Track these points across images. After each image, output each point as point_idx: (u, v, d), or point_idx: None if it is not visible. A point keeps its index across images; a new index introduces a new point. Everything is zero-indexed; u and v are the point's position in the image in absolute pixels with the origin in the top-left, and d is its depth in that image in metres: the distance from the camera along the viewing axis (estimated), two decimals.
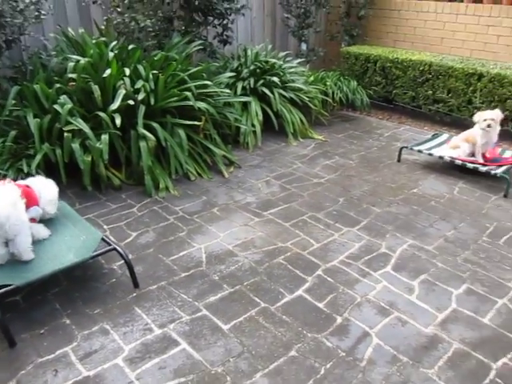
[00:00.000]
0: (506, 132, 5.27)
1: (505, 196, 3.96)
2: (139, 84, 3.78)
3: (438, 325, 2.45)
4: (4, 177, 3.38)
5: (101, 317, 2.43)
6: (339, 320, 2.45)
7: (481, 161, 4.16)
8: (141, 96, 3.73)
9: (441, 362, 2.21)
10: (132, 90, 3.78)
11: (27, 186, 2.68)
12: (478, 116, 4.18)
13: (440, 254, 3.09)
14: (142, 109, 3.76)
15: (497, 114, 4.13)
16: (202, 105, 4.07)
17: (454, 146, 4.37)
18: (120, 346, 2.24)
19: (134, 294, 2.60)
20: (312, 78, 5.90)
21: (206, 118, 4.22)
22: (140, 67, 3.94)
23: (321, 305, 2.56)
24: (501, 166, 4.14)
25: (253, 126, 4.84)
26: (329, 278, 2.79)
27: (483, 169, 4.07)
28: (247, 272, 2.83)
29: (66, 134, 3.49)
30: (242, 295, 2.62)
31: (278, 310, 2.51)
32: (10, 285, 2.29)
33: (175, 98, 3.95)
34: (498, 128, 4.19)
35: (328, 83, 5.97)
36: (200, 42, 4.87)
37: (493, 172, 4.02)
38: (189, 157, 4.07)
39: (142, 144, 3.68)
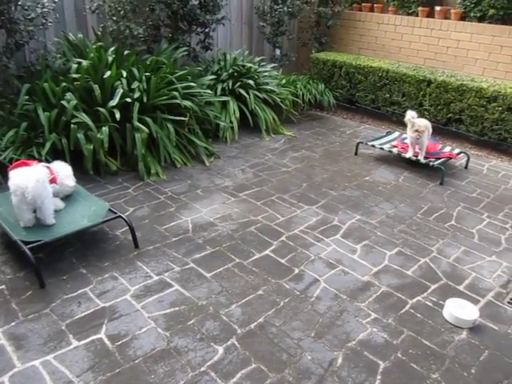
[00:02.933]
0: (449, 131, 6.13)
1: (440, 183, 4.76)
2: (135, 85, 4.44)
3: (372, 275, 3.20)
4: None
5: (110, 268, 3.09)
6: (296, 271, 3.18)
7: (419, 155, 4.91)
8: (136, 95, 4.38)
9: (371, 298, 2.96)
10: (128, 90, 4.42)
11: (48, 167, 3.31)
12: (409, 120, 4.91)
13: (380, 226, 3.85)
14: (137, 105, 4.41)
15: (424, 126, 4.81)
16: (187, 103, 4.74)
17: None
18: (127, 287, 2.91)
19: (136, 253, 3.27)
20: (284, 81, 6.63)
21: (190, 114, 4.89)
22: (135, 70, 4.60)
23: (283, 260, 3.28)
24: (439, 158, 4.95)
25: (231, 122, 5.54)
26: (290, 242, 3.51)
27: (424, 161, 4.87)
28: (225, 237, 3.53)
29: (72, 126, 4.12)
30: (221, 253, 3.32)
31: (250, 264, 3.22)
32: (39, 241, 2.92)
33: (165, 97, 4.62)
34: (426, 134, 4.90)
35: (298, 85, 6.72)
36: (185, 48, 5.54)
37: (431, 163, 4.82)
38: (175, 147, 4.74)
39: (137, 135, 4.33)
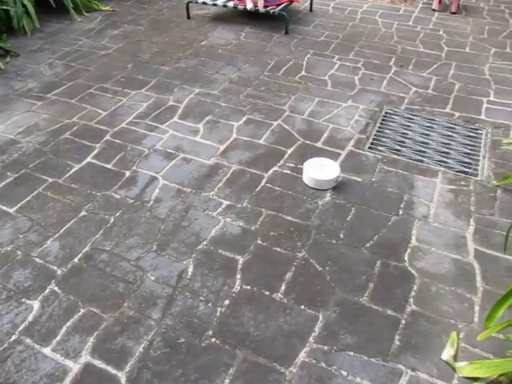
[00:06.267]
0: None
1: (286, 33, 4.22)
2: None
3: (219, 155, 2.69)
4: None
5: None
6: (127, 174, 2.55)
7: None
8: None
9: (220, 184, 2.47)
10: None
11: None
12: None
13: (224, 95, 3.27)
14: None
15: None
16: None
17: None
18: None
19: None
20: None
21: None
22: None
23: (109, 165, 2.62)
24: (279, 4, 4.32)
25: (24, 6, 4.30)
26: (117, 141, 2.82)
27: (263, 9, 4.22)
28: (32, 155, 2.72)
29: None
30: (28, 177, 2.55)
31: (66, 181, 2.51)
32: None
33: None
34: None
35: None
36: None
37: (272, 11, 4.19)
38: None
39: None
